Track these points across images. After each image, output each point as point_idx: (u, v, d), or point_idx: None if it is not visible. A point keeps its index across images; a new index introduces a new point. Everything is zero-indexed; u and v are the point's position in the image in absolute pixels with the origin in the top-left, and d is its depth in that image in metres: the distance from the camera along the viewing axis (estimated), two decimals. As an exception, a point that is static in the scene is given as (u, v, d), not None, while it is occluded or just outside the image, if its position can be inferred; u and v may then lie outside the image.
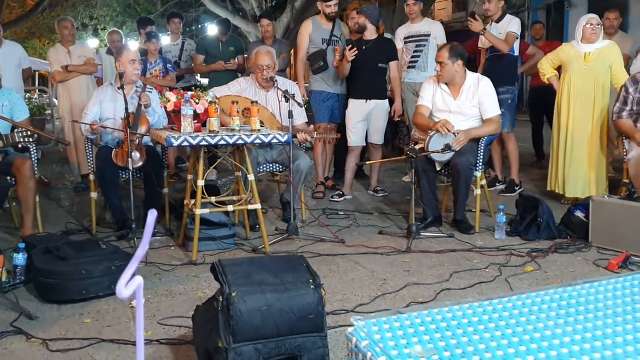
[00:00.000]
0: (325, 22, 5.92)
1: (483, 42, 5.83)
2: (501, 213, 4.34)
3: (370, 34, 5.69)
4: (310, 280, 2.38)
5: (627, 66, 5.68)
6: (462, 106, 4.62)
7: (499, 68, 5.70)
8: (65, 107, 6.43)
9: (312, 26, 5.94)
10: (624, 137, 4.77)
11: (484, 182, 4.75)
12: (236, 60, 6.83)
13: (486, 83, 4.64)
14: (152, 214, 0.62)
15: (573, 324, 1.10)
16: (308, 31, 5.93)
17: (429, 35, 6.10)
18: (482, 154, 4.56)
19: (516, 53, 5.85)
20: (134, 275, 0.65)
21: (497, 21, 5.76)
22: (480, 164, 4.57)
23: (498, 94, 5.69)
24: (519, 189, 5.87)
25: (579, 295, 1.22)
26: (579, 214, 4.28)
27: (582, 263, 3.80)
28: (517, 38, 5.71)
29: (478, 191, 4.61)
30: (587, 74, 5.10)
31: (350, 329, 1.12)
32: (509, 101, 5.81)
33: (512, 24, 5.70)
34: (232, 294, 2.27)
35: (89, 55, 6.52)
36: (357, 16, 5.69)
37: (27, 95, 11.72)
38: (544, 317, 1.13)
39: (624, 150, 4.76)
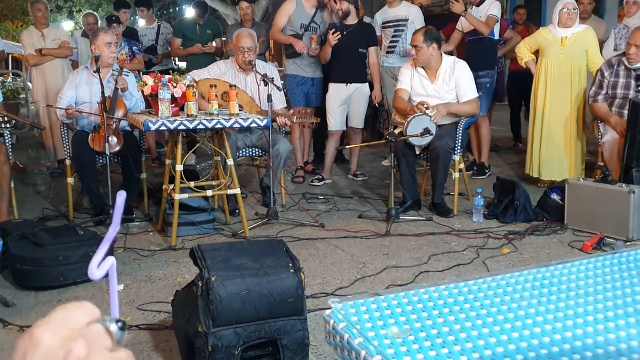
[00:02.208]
0: (309, 7, 5.79)
1: (463, 26, 5.85)
2: (479, 197, 4.38)
3: (352, 19, 5.67)
4: (290, 265, 2.39)
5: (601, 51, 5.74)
6: (440, 90, 4.64)
7: (480, 52, 5.72)
8: (40, 91, 6.32)
9: (295, 7, 5.79)
10: (599, 121, 4.84)
11: (462, 166, 4.78)
12: (214, 43, 6.77)
13: (462, 66, 4.67)
14: (121, 195, 0.62)
15: (546, 304, 1.13)
16: (289, 12, 5.80)
17: (407, 20, 6.09)
18: (460, 138, 4.59)
19: (497, 37, 5.88)
20: (106, 256, 0.64)
21: (478, 5, 5.77)
22: (459, 147, 4.60)
23: (477, 77, 5.73)
24: (489, 172, 5.94)
25: (552, 277, 1.24)
26: (555, 197, 4.34)
27: (557, 245, 3.86)
28: (498, 21, 5.74)
29: (457, 175, 4.65)
30: (564, 58, 5.15)
31: (328, 312, 1.13)
32: (488, 85, 5.85)
33: (492, 7, 5.72)
34: (211, 279, 2.27)
35: (63, 38, 6.40)
36: (340, 2, 5.61)
37: (0, 80, 11.50)
38: (518, 298, 1.15)
39: (600, 134, 4.82)
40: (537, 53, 5.51)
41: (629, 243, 3.74)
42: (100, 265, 0.78)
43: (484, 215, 4.43)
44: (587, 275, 1.24)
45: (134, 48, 6.42)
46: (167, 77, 3.91)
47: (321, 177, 5.87)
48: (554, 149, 5.19)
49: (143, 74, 4.36)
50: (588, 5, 6.31)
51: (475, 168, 6.09)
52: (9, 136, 4.42)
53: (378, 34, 6.12)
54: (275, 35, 5.91)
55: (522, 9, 7.69)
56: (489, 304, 1.11)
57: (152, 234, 4.26)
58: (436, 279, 3.26)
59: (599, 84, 4.74)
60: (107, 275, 0.65)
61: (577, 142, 5.17)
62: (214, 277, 2.28)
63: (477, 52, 5.72)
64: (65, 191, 4.69)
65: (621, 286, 1.17)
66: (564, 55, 5.15)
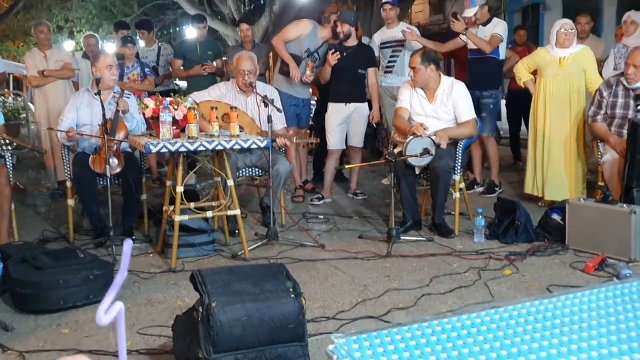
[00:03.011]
0: (320, 37, 5.71)
1: (469, 43, 5.84)
2: (480, 217, 4.38)
3: (352, 40, 5.71)
4: (291, 289, 2.38)
5: (599, 70, 5.77)
6: (438, 110, 4.66)
7: (483, 70, 5.74)
8: (42, 112, 6.34)
9: (310, 32, 5.68)
10: (598, 141, 4.85)
11: (462, 185, 4.79)
12: (214, 63, 6.80)
13: (460, 87, 4.68)
14: (128, 244, 0.62)
15: (549, 338, 1.12)
16: (303, 32, 5.67)
17: (405, 40, 6.13)
18: (460, 157, 4.60)
19: (501, 57, 5.88)
20: (114, 301, 0.64)
21: (484, 24, 5.81)
22: (459, 167, 4.61)
23: (481, 97, 5.77)
24: (499, 190, 5.94)
25: (555, 308, 1.23)
26: (555, 217, 4.33)
27: (559, 266, 3.85)
28: (502, 41, 5.76)
29: (457, 194, 4.65)
30: (562, 78, 5.17)
31: (331, 347, 1.13)
32: (491, 106, 5.86)
33: (498, 27, 5.75)
34: (212, 304, 2.26)
35: (66, 59, 6.43)
36: (342, 25, 5.62)
37: (1, 99, 11.53)
38: (521, 332, 1.14)
39: (599, 153, 4.83)
40: (535, 73, 5.53)
41: (631, 264, 3.73)
42: (108, 311, 0.78)
43: (485, 235, 4.42)
44: (591, 307, 1.23)
45: (146, 69, 6.46)
46: (168, 99, 3.93)
47: (321, 195, 5.87)
48: (554, 169, 5.19)
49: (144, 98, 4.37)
50: (585, 25, 6.35)
51: (477, 186, 6.10)
52: (10, 158, 4.42)
53: (376, 54, 6.16)
54: (278, 45, 5.74)
55: (522, 30, 7.74)
56: (492, 338, 1.10)
57: (151, 255, 4.24)
58: (438, 301, 3.25)
59: (597, 103, 4.75)
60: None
61: (577, 161, 5.18)
62: (214, 303, 2.27)
63: (480, 70, 5.75)
64: (65, 212, 4.68)
65: (625, 319, 1.16)
66: (562, 75, 5.17)
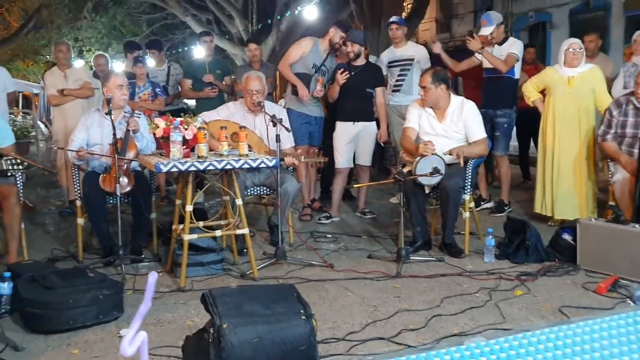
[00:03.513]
0: (323, 50, 5.77)
1: (484, 60, 5.85)
2: (490, 236, 4.35)
3: (360, 59, 5.74)
4: (302, 311, 2.37)
5: (609, 89, 5.76)
6: (448, 129, 4.66)
7: (497, 90, 5.74)
8: (61, 130, 6.36)
9: (312, 47, 5.76)
10: (609, 160, 4.83)
11: (472, 204, 4.77)
12: (224, 81, 6.84)
13: (470, 107, 4.68)
14: (152, 277, 0.62)
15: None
16: (305, 49, 5.75)
17: (413, 59, 6.16)
18: (470, 176, 4.59)
19: (516, 76, 5.87)
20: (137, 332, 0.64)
21: (500, 44, 5.82)
22: (469, 186, 4.59)
23: (495, 117, 5.77)
24: (508, 209, 5.92)
25: (575, 335, 1.22)
26: (566, 236, 4.30)
27: (571, 286, 3.81)
28: (518, 60, 5.76)
29: (467, 214, 4.63)
30: (570, 97, 5.17)
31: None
32: (505, 125, 5.85)
33: (514, 46, 5.76)
34: (223, 326, 2.25)
35: (85, 79, 6.46)
36: (352, 45, 5.66)
37: (11, 117, 11.63)
38: (541, 358, 1.13)
39: (610, 172, 4.81)
40: (544, 92, 5.53)
41: (643, 284, 3.69)
42: (132, 341, 0.78)
43: (495, 255, 4.39)
44: (611, 335, 1.22)
45: (157, 89, 6.51)
46: (179, 119, 3.95)
47: (328, 214, 5.86)
48: (564, 188, 5.17)
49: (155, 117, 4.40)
50: (590, 44, 6.34)
51: (483, 202, 6.08)
52: (21, 177, 4.44)
53: (384, 73, 6.18)
54: (283, 69, 5.81)
55: (532, 48, 7.74)
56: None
57: (160, 274, 4.23)
58: (449, 322, 3.22)
59: (607, 122, 4.74)
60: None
61: (587, 180, 5.15)
62: (226, 324, 2.26)
63: (495, 89, 5.75)
64: (74, 231, 4.69)
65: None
66: (571, 95, 5.16)
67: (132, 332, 0.62)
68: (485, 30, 5.79)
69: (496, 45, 5.81)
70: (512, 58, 5.69)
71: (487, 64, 5.80)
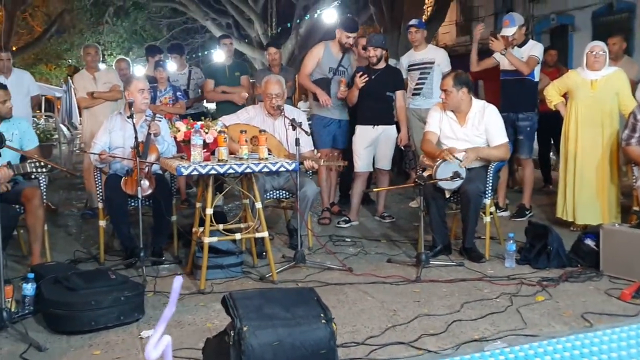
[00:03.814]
0: (336, 51, 5.88)
1: (502, 63, 5.82)
2: (511, 241, 4.32)
3: (380, 62, 5.74)
4: (322, 315, 2.37)
5: (633, 92, 5.68)
6: (469, 134, 4.63)
7: (518, 93, 5.70)
8: (89, 133, 6.41)
9: (324, 52, 5.88)
10: (633, 164, 4.77)
11: (493, 209, 4.73)
12: (241, 81, 6.85)
13: (492, 111, 4.65)
14: (178, 281, 0.62)
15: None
16: (318, 56, 5.89)
17: (433, 62, 6.14)
18: (491, 181, 4.56)
19: (536, 79, 5.83)
20: (162, 335, 0.64)
21: (520, 46, 5.78)
22: (490, 191, 4.56)
23: (517, 120, 5.73)
24: (529, 213, 5.87)
25: (601, 342, 1.20)
26: (589, 242, 4.25)
27: (593, 293, 3.77)
28: (539, 63, 5.72)
29: (487, 219, 4.60)
30: (594, 101, 5.11)
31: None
32: (528, 128, 5.81)
33: (535, 48, 5.72)
34: (243, 329, 2.26)
35: (114, 81, 6.50)
36: (374, 50, 5.67)
37: (34, 121, 11.81)
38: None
39: (634, 177, 4.75)
40: (566, 95, 5.47)
41: (668, 291, 3.63)
42: (157, 345, 0.78)
43: (516, 260, 4.35)
44: (638, 342, 1.20)
45: (178, 93, 6.55)
46: (199, 123, 3.98)
47: (347, 218, 5.86)
48: (586, 193, 5.11)
49: (176, 121, 4.44)
50: (614, 46, 6.26)
51: (499, 210, 6.03)
52: (45, 180, 4.50)
53: (404, 76, 6.17)
54: (303, 81, 5.99)
55: (553, 50, 7.67)
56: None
57: (181, 276, 4.24)
58: (469, 328, 3.19)
59: (632, 126, 4.68)
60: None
61: (610, 185, 5.09)
62: (246, 327, 2.27)
63: (515, 92, 5.70)
64: (96, 233, 4.74)
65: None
66: (594, 98, 5.11)
67: (157, 335, 0.62)
68: (508, 31, 5.75)
69: (516, 47, 5.77)
70: (534, 60, 5.65)
71: (504, 66, 5.77)
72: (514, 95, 5.69)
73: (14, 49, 13.26)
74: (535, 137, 6.29)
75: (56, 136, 12.17)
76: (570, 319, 3.32)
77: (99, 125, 6.25)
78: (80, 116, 7.85)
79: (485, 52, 6.04)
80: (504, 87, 5.89)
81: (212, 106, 7.57)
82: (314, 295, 2.52)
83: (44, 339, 3.12)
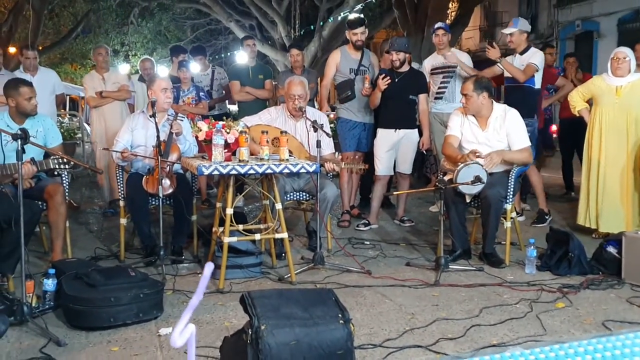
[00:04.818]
0: (354, 52, 5.94)
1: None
2: (532, 247, 4.27)
3: (404, 66, 5.73)
4: (340, 315, 2.37)
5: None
6: (491, 138, 4.59)
7: (518, 99, 5.66)
8: (99, 132, 6.54)
9: (341, 56, 5.96)
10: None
11: (514, 214, 4.69)
12: (265, 85, 6.88)
13: (513, 115, 4.61)
14: (209, 267, 0.63)
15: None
16: (336, 61, 5.97)
17: (456, 66, 6.11)
18: (512, 186, 4.52)
19: (537, 86, 5.80)
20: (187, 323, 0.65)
21: (521, 53, 5.75)
22: (511, 196, 4.52)
23: None
24: (549, 218, 5.81)
25: (624, 346, 1.18)
26: (611, 249, 4.20)
27: (615, 300, 3.71)
28: (538, 71, 5.68)
29: (508, 224, 4.55)
30: (619, 107, 5.04)
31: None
32: (529, 135, 5.76)
33: (534, 56, 5.69)
34: (261, 327, 2.26)
35: (122, 82, 6.63)
36: (397, 53, 5.66)
37: (58, 119, 11.98)
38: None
39: (658, 184, 4.67)
40: (589, 101, 5.41)
41: (692, 301, 3.57)
42: (182, 332, 0.79)
43: (537, 266, 4.31)
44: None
45: (201, 94, 6.60)
46: (221, 123, 4.00)
47: (367, 221, 5.84)
48: (610, 200, 5.04)
49: (198, 121, 4.47)
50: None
51: (516, 215, 5.99)
52: (67, 177, 4.56)
53: (427, 79, 6.14)
54: (321, 90, 6.22)
55: (572, 57, 7.60)
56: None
57: (200, 275, 4.28)
58: (488, 333, 3.17)
59: (657, 134, 4.61)
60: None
61: (634, 192, 5.02)
62: (264, 326, 2.27)
63: (515, 99, 5.67)
64: (117, 231, 4.78)
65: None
66: (619, 105, 5.04)
67: (183, 322, 0.63)
68: (507, 30, 5.85)
69: (517, 55, 5.75)
70: (531, 68, 5.61)
71: (507, 74, 5.76)
72: (514, 102, 5.66)
73: (40, 48, 13.45)
74: (555, 143, 6.25)
75: (79, 135, 12.32)
76: (591, 326, 3.28)
77: (108, 124, 6.38)
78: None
79: (494, 62, 6.03)
80: (506, 94, 5.91)
81: (234, 108, 7.60)
82: (332, 296, 2.52)
83: (63, 334, 3.16)
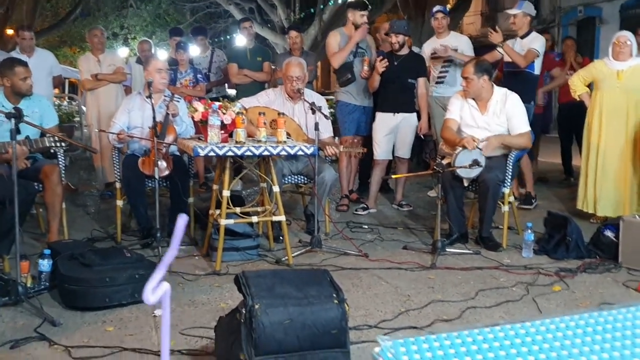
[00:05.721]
0: (351, 34, 5.87)
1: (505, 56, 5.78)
2: (529, 231, 4.26)
3: (404, 49, 5.68)
4: (334, 295, 2.36)
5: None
6: (490, 122, 4.57)
7: (516, 84, 5.62)
8: (94, 114, 6.50)
9: (340, 38, 5.87)
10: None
11: (512, 199, 4.68)
12: (263, 67, 6.82)
13: (514, 99, 4.58)
14: (183, 219, 0.61)
15: (599, 353, 1.06)
16: (337, 41, 5.83)
17: (456, 49, 6.06)
18: (511, 170, 4.50)
19: (536, 72, 5.77)
20: (161, 281, 0.63)
21: (522, 37, 5.70)
22: (509, 180, 4.50)
23: None
24: (535, 202, 5.81)
25: (606, 322, 1.17)
26: (608, 233, 4.19)
27: (611, 284, 3.71)
28: (538, 56, 5.64)
29: (506, 208, 4.54)
30: (620, 91, 5.01)
31: (377, 349, 1.09)
32: None
33: (535, 41, 5.64)
34: (255, 307, 2.25)
35: (118, 64, 6.58)
36: (396, 36, 5.60)
37: (56, 103, 11.90)
38: (579, 343, 1.09)
39: (657, 169, 4.65)
40: (590, 86, 5.38)
41: (688, 285, 3.56)
42: (155, 290, 0.77)
43: (534, 250, 4.30)
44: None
45: (199, 76, 6.55)
46: (217, 103, 3.97)
47: (365, 205, 5.83)
48: (608, 184, 5.02)
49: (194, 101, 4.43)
50: None
51: (515, 200, 5.98)
52: (63, 158, 4.54)
53: (427, 63, 6.09)
54: (333, 57, 5.82)
55: (570, 40, 7.52)
56: (548, 348, 1.05)
57: (196, 258, 4.28)
58: (484, 315, 3.17)
59: (657, 118, 4.58)
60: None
61: (633, 177, 5.00)
62: (258, 305, 2.26)
63: (514, 84, 5.62)
64: (114, 213, 4.77)
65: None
66: (620, 89, 5.01)
67: (156, 280, 0.61)
68: (512, 11, 5.80)
69: (518, 39, 5.70)
70: (532, 53, 5.56)
71: (507, 58, 5.71)
72: (513, 87, 5.62)
73: (38, 30, 13.34)
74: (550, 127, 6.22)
75: (78, 118, 12.27)
76: (587, 309, 3.27)
77: (103, 107, 6.34)
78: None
79: (495, 47, 5.97)
80: (504, 78, 5.85)
81: (233, 92, 7.54)
82: (327, 276, 2.51)
83: (58, 314, 3.15)
